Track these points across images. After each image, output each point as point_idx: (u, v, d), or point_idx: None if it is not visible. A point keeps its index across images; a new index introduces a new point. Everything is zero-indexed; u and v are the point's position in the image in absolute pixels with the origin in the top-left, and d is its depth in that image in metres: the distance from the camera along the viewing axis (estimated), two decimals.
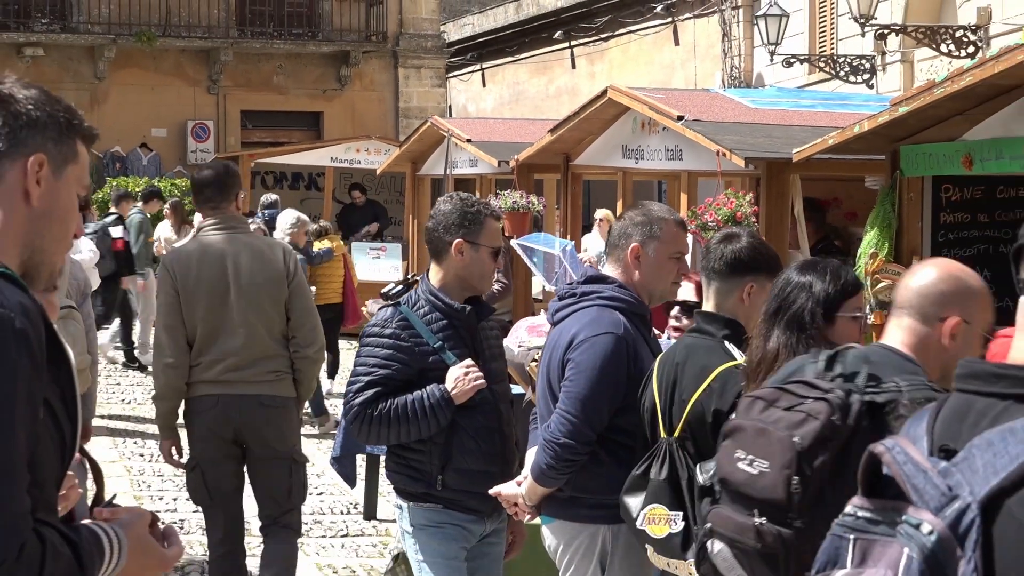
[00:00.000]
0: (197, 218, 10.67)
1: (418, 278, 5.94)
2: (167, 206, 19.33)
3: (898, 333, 3.94)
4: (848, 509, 2.04)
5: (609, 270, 5.52)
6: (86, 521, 2.67)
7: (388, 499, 9.95)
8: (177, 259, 7.51)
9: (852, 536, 2.01)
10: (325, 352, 8.03)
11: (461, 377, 5.52)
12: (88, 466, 3.18)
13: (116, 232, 16.79)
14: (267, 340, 7.23)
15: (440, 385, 5.51)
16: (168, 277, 7.29)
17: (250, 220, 16.42)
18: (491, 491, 5.54)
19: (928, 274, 3.97)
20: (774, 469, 3.69)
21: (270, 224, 16.13)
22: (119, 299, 17.19)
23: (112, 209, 17.88)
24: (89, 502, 3.10)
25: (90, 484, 3.33)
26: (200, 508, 7.60)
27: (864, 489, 2.01)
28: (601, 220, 17.14)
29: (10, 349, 2.45)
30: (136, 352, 17.33)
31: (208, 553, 7.60)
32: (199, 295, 7.18)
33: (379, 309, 5.87)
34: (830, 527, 3.59)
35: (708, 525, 3.93)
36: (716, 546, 3.87)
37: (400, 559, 6.38)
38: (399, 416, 5.50)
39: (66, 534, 2.55)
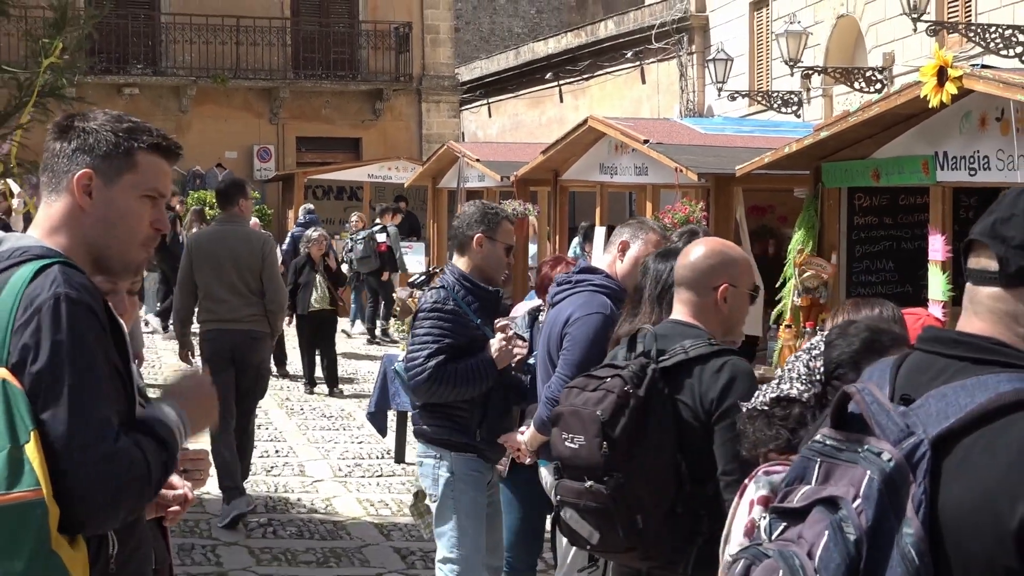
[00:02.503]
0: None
1: (438, 269, 5.95)
2: (192, 212, 19.46)
3: (679, 306, 3.91)
4: (817, 437, 2.03)
5: (601, 263, 5.57)
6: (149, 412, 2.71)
7: (413, 446, 9.96)
8: (193, 241, 9.41)
9: (819, 459, 1.99)
10: (286, 305, 9.81)
11: (505, 346, 5.54)
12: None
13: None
14: (247, 294, 8.80)
15: (486, 353, 5.52)
16: (188, 252, 9.05)
17: (304, 226, 16.59)
18: (499, 439, 5.54)
19: (697, 252, 3.93)
20: (587, 441, 3.62)
21: (307, 225, 16.75)
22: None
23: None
24: None
25: None
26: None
27: (832, 421, 2.01)
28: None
29: (84, 321, 2.49)
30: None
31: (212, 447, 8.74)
32: (205, 264, 8.82)
33: (429, 290, 5.85)
34: (646, 476, 3.56)
35: (558, 496, 3.83)
36: (567, 512, 3.77)
37: (420, 495, 6.35)
38: (464, 377, 5.48)
39: (145, 430, 2.60)
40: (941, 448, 1.85)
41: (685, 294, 3.89)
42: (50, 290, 2.47)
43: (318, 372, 14.41)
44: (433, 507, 5.74)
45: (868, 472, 1.88)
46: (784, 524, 1.99)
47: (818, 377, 2.95)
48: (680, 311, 3.90)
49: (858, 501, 1.87)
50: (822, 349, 2.97)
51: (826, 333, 3.07)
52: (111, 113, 2.76)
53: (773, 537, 2.00)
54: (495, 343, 5.54)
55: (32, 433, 2.39)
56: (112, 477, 2.44)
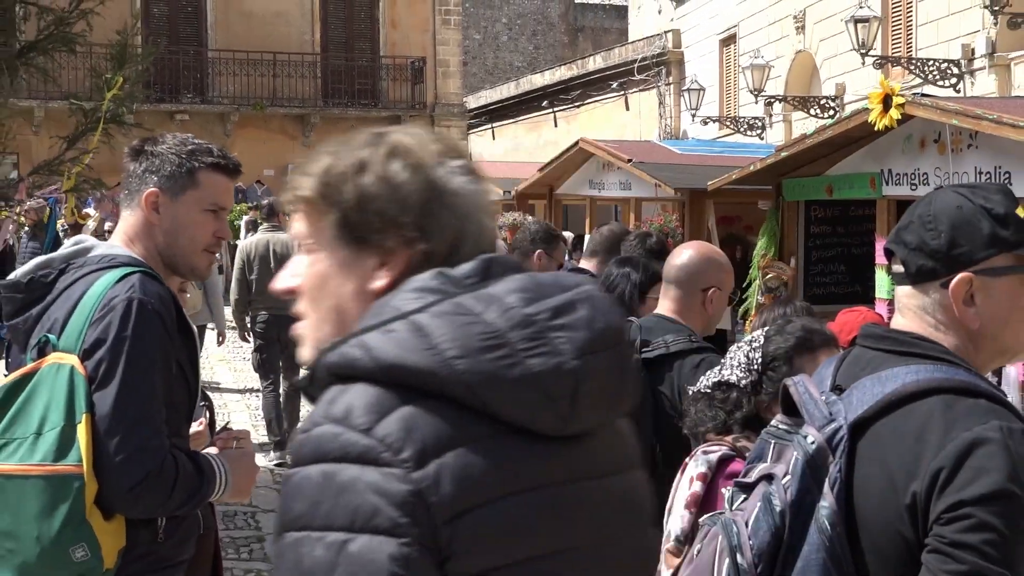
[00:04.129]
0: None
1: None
2: (245, 222, 19.33)
3: (666, 302, 3.77)
4: (773, 422, 2.04)
5: (587, 264, 5.57)
6: (203, 453, 2.68)
7: None
8: (248, 243, 10.10)
9: (773, 441, 2.01)
10: None
11: None
12: (205, 404, 3.15)
13: None
14: None
15: None
16: (241, 252, 9.84)
17: None
18: None
19: (689, 255, 3.78)
20: None
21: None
22: None
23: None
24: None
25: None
26: (257, 373, 10.09)
27: (784, 409, 2.02)
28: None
29: (148, 325, 2.48)
30: None
31: (262, 392, 9.95)
32: (256, 262, 9.68)
33: None
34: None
35: None
36: None
37: None
38: None
39: (190, 455, 2.58)
40: (858, 432, 1.87)
41: (673, 292, 3.74)
42: (126, 294, 2.48)
43: None
44: None
45: (795, 453, 1.90)
46: (743, 496, 2.00)
47: (755, 367, 2.93)
48: (665, 307, 3.76)
49: (787, 478, 1.89)
50: (761, 343, 2.96)
51: (766, 329, 3.05)
52: (178, 137, 2.76)
53: (732, 508, 2.01)
54: None
55: (85, 415, 2.39)
56: (140, 469, 2.41)
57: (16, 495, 2.36)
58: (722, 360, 3.20)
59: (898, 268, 2.00)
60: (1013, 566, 1.74)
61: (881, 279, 7.59)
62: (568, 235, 17.71)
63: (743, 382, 2.92)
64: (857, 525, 1.84)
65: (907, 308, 1.99)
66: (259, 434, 9.64)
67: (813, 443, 1.88)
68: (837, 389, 1.96)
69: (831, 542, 1.82)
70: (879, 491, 1.82)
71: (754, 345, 2.96)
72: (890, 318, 2.11)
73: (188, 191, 2.68)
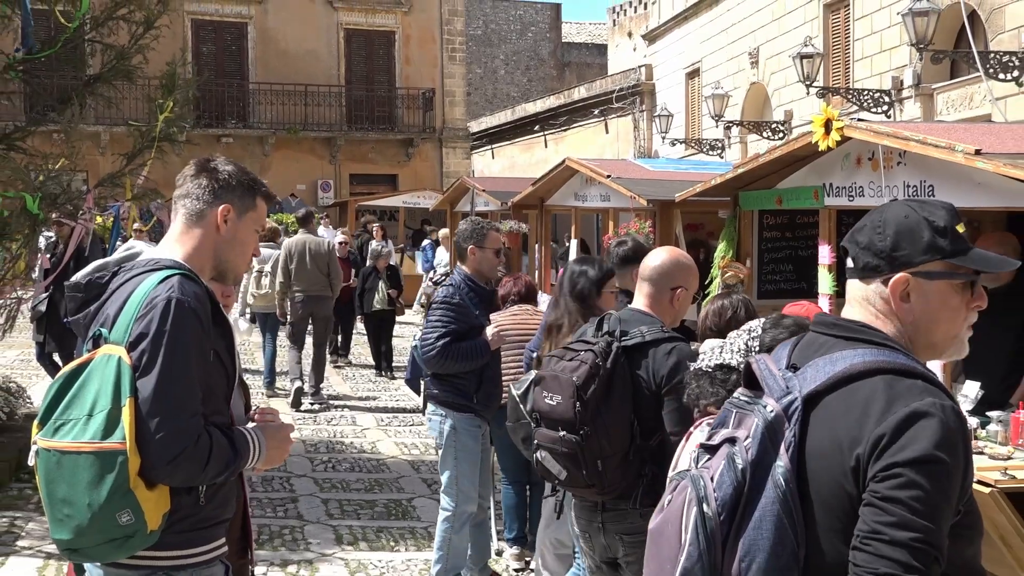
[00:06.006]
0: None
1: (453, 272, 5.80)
2: (270, 228, 18.96)
3: (641, 298, 3.76)
4: (736, 394, 2.05)
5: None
6: (239, 428, 2.65)
7: None
8: (289, 242, 11.03)
9: (735, 410, 2.01)
10: (341, 279, 11.38)
11: (497, 334, 5.43)
12: (242, 389, 3.13)
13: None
14: (319, 276, 10.79)
15: (482, 338, 5.39)
16: (285, 249, 10.88)
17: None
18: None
19: (663, 258, 3.78)
20: (564, 399, 3.49)
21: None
22: None
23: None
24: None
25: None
26: (289, 344, 10.97)
27: (745, 382, 2.03)
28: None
29: (185, 320, 2.45)
30: None
31: (288, 358, 10.93)
32: (295, 257, 10.75)
33: (441, 287, 5.64)
34: (607, 431, 3.49)
35: (536, 441, 3.66)
36: (541, 454, 3.62)
37: None
38: (465, 354, 5.33)
39: (225, 431, 2.54)
40: (810, 404, 1.88)
41: (647, 289, 3.73)
42: (166, 294, 2.46)
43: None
44: (439, 452, 5.64)
45: (755, 419, 1.91)
46: (707, 456, 2.01)
47: (754, 354, 2.93)
48: (640, 302, 3.75)
49: (748, 440, 1.90)
50: (759, 334, 2.96)
51: (763, 321, 3.04)
52: (233, 163, 2.74)
53: (699, 466, 2.02)
54: (490, 331, 5.42)
55: (129, 399, 2.38)
56: (177, 445, 2.39)
57: (71, 468, 2.36)
58: (696, 347, 3.19)
59: (849, 263, 2.01)
60: (937, 520, 1.74)
61: (823, 277, 7.58)
62: (522, 225, 17.69)
63: (741, 367, 2.92)
64: (807, 482, 1.85)
65: (855, 299, 2.00)
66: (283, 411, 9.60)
67: (772, 412, 1.89)
68: (792, 367, 1.97)
69: (784, 496, 1.83)
70: (827, 454, 1.83)
71: (752, 335, 2.97)
72: (831, 311, 2.12)
73: (250, 212, 2.70)
